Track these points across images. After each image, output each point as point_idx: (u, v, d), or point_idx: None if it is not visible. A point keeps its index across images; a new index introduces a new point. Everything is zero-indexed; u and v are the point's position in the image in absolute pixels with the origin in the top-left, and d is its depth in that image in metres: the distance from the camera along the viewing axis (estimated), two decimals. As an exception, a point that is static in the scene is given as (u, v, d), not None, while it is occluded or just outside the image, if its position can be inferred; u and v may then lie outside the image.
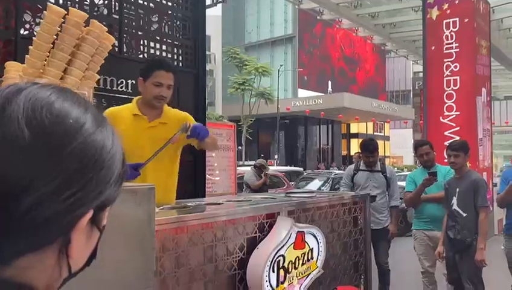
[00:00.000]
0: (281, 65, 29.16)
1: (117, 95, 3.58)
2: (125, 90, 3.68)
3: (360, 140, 6.06)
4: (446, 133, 8.29)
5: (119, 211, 1.36)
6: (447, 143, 8.15)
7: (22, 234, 0.47)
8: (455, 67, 8.43)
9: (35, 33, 2.04)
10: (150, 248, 1.48)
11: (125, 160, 0.58)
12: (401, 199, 4.90)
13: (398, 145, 43.70)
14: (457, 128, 8.21)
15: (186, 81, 4.10)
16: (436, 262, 4.47)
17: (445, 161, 7.31)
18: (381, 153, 4.81)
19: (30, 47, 1.76)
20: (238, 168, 6.61)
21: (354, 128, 38.53)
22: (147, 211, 1.46)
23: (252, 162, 15.40)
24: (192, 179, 4.09)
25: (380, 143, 5.12)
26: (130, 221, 1.40)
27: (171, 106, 3.65)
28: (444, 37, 8.49)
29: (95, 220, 0.54)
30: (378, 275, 4.24)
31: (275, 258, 2.22)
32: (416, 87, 44.95)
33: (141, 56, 3.93)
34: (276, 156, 27.15)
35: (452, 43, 8.41)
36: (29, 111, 0.48)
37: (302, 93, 33.47)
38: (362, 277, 3.21)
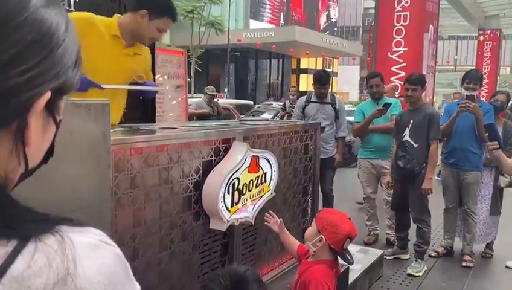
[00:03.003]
0: (233, -7, 28.01)
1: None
2: (67, 8, 3.40)
3: (309, 76, 6.15)
4: (393, 68, 8.52)
5: (73, 126, 1.31)
6: (393, 78, 8.47)
7: None
8: (406, 2, 8.50)
9: None
10: (106, 165, 1.44)
11: (80, 49, 0.55)
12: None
13: (345, 81, 44.62)
14: (404, 64, 8.45)
15: (131, 1, 3.85)
16: (377, 189, 4.78)
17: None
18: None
19: None
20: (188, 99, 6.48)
21: (304, 63, 38.62)
22: (102, 128, 1.40)
23: (201, 95, 15.20)
24: (142, 106, 3.98)
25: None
26: (85, 136, 1.35)
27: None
28: (397, -29, 8.46)
29: (52, 108, 0.52)
30: (322, 200, 4.48)
31: (230, 181, 2.26)
32: (366, 24, 45.24)
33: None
34: (226, 89, 26.87)
35: (405, -23, 8.42)
36: None
37: (254, 24, 32.67)
38: (310, 200, 3.37)
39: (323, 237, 1.99)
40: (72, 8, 3.42)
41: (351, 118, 5.12)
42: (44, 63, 0.47)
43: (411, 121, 3.94)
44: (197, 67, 25.50)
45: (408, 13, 8.45)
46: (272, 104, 15.63)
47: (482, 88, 6.09)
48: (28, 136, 0.49)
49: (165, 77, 4.87)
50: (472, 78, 4.13)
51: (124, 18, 2.50)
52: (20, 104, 0.46)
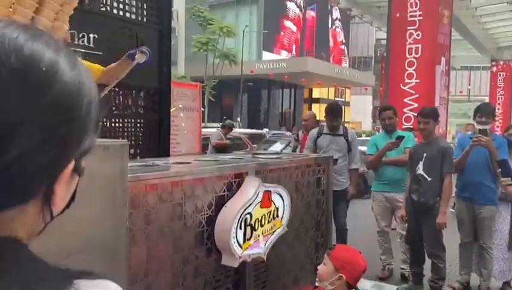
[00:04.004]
0: (246, 26, 28.63)
1: (77, 49, 3.44)
2: (86, 44, 3.54)
3: (322, 105, 6.29)
4: (405, 100, 8.54)
5: (90, 167, 1.35)
6: (406, 110, 8.49)
7: (5, 187, 0.46)
8: (417, 35, 8.60)
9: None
10: (122, 204, 1.48)
11: (99, 105, 0.55)
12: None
13: (358, 111, 44.64)
14: (417, 95, 8.47)
15: (149, 37, 3.98)
16: (391, 222, 4.73)
17: (404, 127, 7.60)
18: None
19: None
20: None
21: (316, 93, 38.88)
22: (119, 167, 1.45)
23: (215, 124, 15.35)
24: (156, 139, 4.05)
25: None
26: (102, 176, 1.39)
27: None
28: (408, 4, 8.61)
29: (76, 168, 0.54)
30: (336, 233, 4.43)
31: (242, 216, 2.28)
32: (378, 54, 45.60)
33: (103, 9, 3.76)
34: (238, 119, 27.09)
35: (416, 10, 8.55)
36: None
37: (267, 56, 33.21)
38: (323, 235, 3.35)
39: (343, 275, 2.00)
40: (92, 45, 3.56)
41: (364, 148, 5.12)
42: (70, 135, 0.49)
43: (424, 155, 3.93)
44: (210, 97, 25.84)
45: (420, 45, 8.54)
46: (284, 134, 15.69)
47: (496, 119, 6.06)
48: (54, 201, 0.52)
49: (180, 106, 4.96)
50: (484, 112, 4.12)
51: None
52: (47, 177, 0.49)
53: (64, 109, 0.48)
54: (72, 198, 0.59)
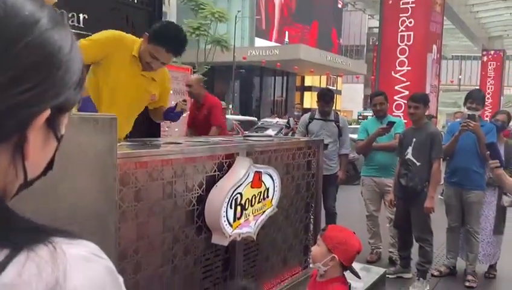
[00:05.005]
0: (238, 11, 28.39)
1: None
2: (76, 24, 3.48)
3: (314, 93, 6.21)
4: (396, 87, 8.58)
5: (80, 139, 1.34)
6: (396, 97, 8.53)
7: None
8: (410, 22, 8.62)
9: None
10: (112, 178, 1.47)
11: (84, 68, 0.57)
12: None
13: (349, 99, 44.77)
14: (408, 83, 8.51)
15: (139, 20, 3.94)
16: (380, 207, 4.78)
17: (394, 113, 7.64)
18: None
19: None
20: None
21: (308, 81, 38.87)
22: (109, 141, 1.44)
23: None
24: (147, 122, 4.03)
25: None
26: (92, 150, 1.38)
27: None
28: (401, -9, 8.60)
29: (52, 123, 0.54)
30: (325, 217, 4.47)
31: (232, 196, 2.28)
32: (370, 43, 45.60)
33: (94, -12, 3.70)
34: (230, 106, 27.02)
35: (409, -2, 8.55)
36: None
37: (259, 42, 33.02)
38: (312, 217, 3.38)
39: (335, 256, 1.98)
40: (82, 25, 3.51)
41: (355, 136, 5.14)
42: (44, 83, 0.50)
43: (414, 140, 3.96)
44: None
45: (412, 33, 8.56)
46: (275, 121, 15.70)
47: (486, 108, 6.11)
48: (27, 150, 0.51)
49: (171, 92, 4.92)
50: (475, 98, 4.16)
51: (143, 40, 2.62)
52: (19, 121, 0.49)
53: (39, 56, 0.49)
54: (50, 165, 0.58)
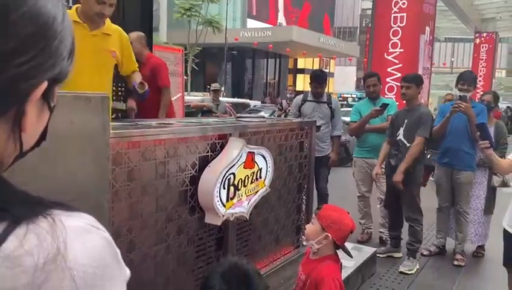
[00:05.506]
0: (230, -8, 27.98)
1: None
2: (66, 4, 3.42)
3: (306, 75, 6.15)
4: (389, 69, 8.57)
5: (73, 117, 1.33)
6: (389, 79, 8.53)
7: None
8: (403, 4, 8.56)
9: None
10: (105, 157, 1.47)
11: (74, 40, 0.57)
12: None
13: (342, 82, 44.67)
14: (400, 65, 8.49)
15: (131, 1, 3.89)
16: (372, 188, 4.83)
17: (386, 95, 7.65)
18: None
19: None
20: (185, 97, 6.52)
21: (301, 63, 38.66)
22: (101, 120, 1.43)
23: (199, 94, 15.20)
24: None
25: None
26: (85, 128, 1.38)
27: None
28: (394, -29, 8.52)
29: (47, 95, 0.54)
30: (317, 198, 4.51)
31: (225, 176, 2.29)
32: (363, 25, 45.33)
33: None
34: (223, 88, 26.86)
35: (402, -22, 8.48)
36: None
37: (251, 24, 32.68)
38: (304, 197, 3.41)
39: (329, 234, 2.01)
40: (71, 5, 3.45)
41: (347, 119, 5.15)
42: (42, 54, 0.50)
43: (406, 121, 3.98)
44: (194, 66, 25.46)
45: (405, 14, 8.50)
46: (267, 104, 15.67)
47: (478, 91, 6.14)
48: (24, 123, 0.51)
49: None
50: (466, 80, 4.18)
51: (78, 5, 2.58)
52: (18, 93, 0.49)
53: (36, 26, 0.49)
54: (43, 136, 0.58)
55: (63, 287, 0.47)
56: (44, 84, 0.51)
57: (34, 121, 0.54)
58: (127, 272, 0.56)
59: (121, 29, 2.80)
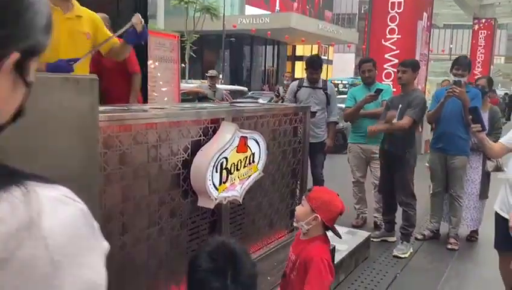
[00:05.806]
0: (228, -22, 27.71)
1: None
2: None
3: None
4: (386, 55, 8.54)
5: (62, 100, 1.34)
6: (386, 65, 8.50)
7: None
8: (401, -11, 8.50)
9: None
10: (94, 139, 1.48)
11: (51, 14, 0.57)
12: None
13: (341, 69, 44.46)
14: (397, 51, 8.47)
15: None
16: (366, 173, 4.85)
17: (384, 82, 7.64)
18: (323, 76, 4.91)
19: None
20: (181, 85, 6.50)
21: (300, 50, 38.45)
22: (90, 102, 1.43)
23: (196, 81, 15.14)
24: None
25: (323, 67, 5.18)
26: (74, 110, 1.38)
27: (110, 14, 3.47)
28: (392, -43, 8.45)
29: (22, 68, 0.54)
30: (312, 184, 4.53)
31: (218, 160, 2.31)
32: (362, 11, 44.99)
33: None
34: (220, 76, 26.76)
35: (400, -37, 8.41)
36: None
37: (249, 10, 32.43)
38: (298, 182, 3.43)
39: (318, 216, 2.03)
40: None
41: (343, 105, 5.15)
42: (12, 25, 0.50)
43: (400, 106, 3.99)
44: (191, 53, 25.32)
45: (402, 0, 8.46)
46: (266, 92, 15.65)
47: (476, 78, 6.13)
48: None
49: (157, 61, 4.86)
50: (461, 65, 4.18)
51: None
52: None
53: None
54: (20, 112, 0.58)
55: (36, 255, 0.48)
56: (16, 55, 0.51)
57: (7, 94, 0.54)
58: (105, 244, 0.57)
59: (88, 10, 2.72)
